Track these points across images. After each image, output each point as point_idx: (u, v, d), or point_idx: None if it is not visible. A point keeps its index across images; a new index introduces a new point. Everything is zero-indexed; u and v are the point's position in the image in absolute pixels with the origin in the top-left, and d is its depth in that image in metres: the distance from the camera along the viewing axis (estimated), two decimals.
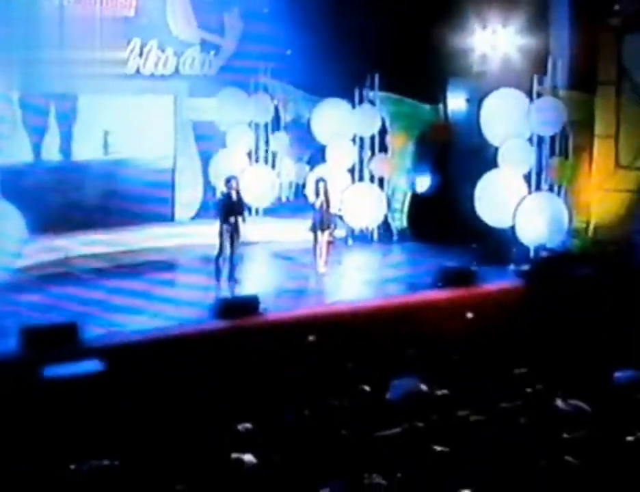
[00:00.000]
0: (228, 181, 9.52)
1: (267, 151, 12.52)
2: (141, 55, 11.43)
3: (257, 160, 12.49)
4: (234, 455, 4.84)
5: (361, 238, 11.80)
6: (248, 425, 5.40)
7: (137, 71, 11.45)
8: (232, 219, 9.27)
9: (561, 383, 6.20)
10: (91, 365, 6.88)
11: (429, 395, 6.16)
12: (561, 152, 10.96)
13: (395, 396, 6.14)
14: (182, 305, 8.63)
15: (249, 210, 11.67)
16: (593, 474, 4.41)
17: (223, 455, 4.86)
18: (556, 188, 10.99)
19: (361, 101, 11.74)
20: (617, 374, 6.55)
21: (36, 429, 6.27)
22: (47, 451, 5.84)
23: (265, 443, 5.16)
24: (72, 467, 4.88)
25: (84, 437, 5.99)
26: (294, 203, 12.35)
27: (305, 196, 11.88)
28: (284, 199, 12.55)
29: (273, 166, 12.53)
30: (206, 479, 4.74)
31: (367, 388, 5.91)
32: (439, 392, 6.10)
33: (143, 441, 5.60)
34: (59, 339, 7.06)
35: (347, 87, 11.49)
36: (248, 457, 4.85)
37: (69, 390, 6.62)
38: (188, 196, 12.24)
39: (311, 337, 8.10)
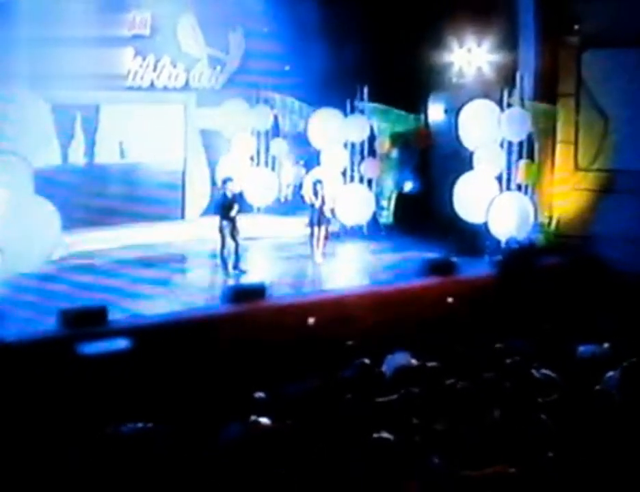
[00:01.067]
0: (224, 182, 9.58)
1: (267, 156, 12.53)
2: (155, 69, 11.44)
3: (258, 164, 12.51)
4: (252, 418, 4.96)
5: (352, 232, 11.80)
6: (262, 394, 5.51)
7: (152, 84, 11.46)
8: (230, 215, 9.31)
9: (534, 356, 6.36)
10: (119, 343, 6.94)
11: (419, 367, 6.30)
12: (528, 156, 11.01)
13: (389, 369, 6.31)
14: (195, 292, 8.73)
15: (249, 208, 11.74)
16: (564, 430, 4.57)
17: (243, 418, 4.95)
18: (523, 187, 11.06)
19: (352, 111, 11.76)
20: (581, 349, 6.73)
21: (72, 397, 6.37)
22: (81, 416, 5.93)
23: (278, 409, 5.26)
24: (109, 428, 4.92)
25: (114, 405, 6.09)
26: (292, 202, 12.35)
27: (302, 196, 11.89)
28: (282, 199, 12.54)
29: (273, 169, 12.54)
30: (228, 440, 4.79)
31: (367, 361, 6.01)
32: (429, 364, 6.20)
33: (168, 408, 5.67)
34: (91, 320, 7.10)
35: (339, 98, 11.49)
36: (264, 420, 4.97)
37: (100, 364, 6.71)
38: (197, 196, 12.26)
39: (311, 320, 8.17)
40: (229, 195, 9.43)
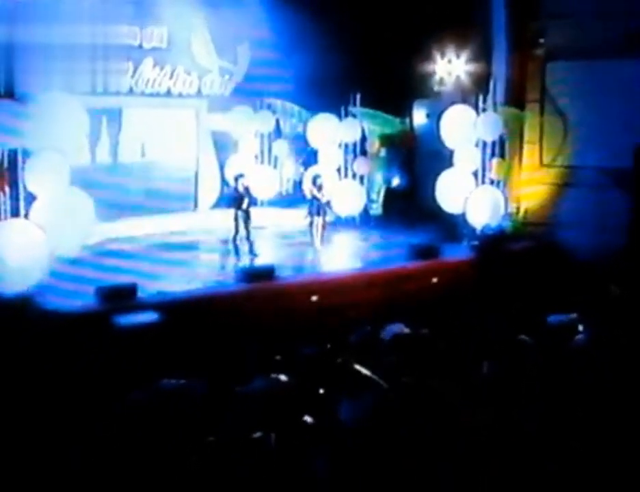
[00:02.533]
0: (236, 178, 9.66)
1: (270, 155, 12.53)
2: (171, 78, 11.46)
3: (262, 162, 12.52)
4: (272, 375, 5.08)
5: (346, 222, 11.86)
6: (279, 357, 5.63)
7: (168, 91, 11.49)
8: (242, 207, 9.42)
9: (509, 324, 6.52)
10: (148, 316, 7.02)
11: (412, 334, 6.46)
12: (500, 154, 11.11)
13: (387, 335, 6.46)
14: (210, 273, 8.78)
15: (256, 201, 11.79)
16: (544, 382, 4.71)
17: (265, 375, 5.07)
18: (496, 182, 11.16)
19: (346, 115, 11.80)
20: (550, 318, 6.92)
21: (108, 362, 6.45)
22: (116, 378, 6.00)
23: (292, 368, 5.38)
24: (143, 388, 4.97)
25: (144, 369, 6.16)
26: (292, 196, 12.40)
27: (301, 190, 11.96)
28: (284, 193, 12.58)
29: (275, 167, 12.57)
30: (253, 392, 4.88)
31: (370, 328, 6.15)
32: (422, 331, 6.35)
33: (193, 370, 5.76)
34: (124, 296, 7.20)
35: (335, 104, 11.54)
36: (282, 377, 5.10)
37: (132, 334, 6.79)
38: (207, 190, 12.30)
39: (314, 297, 8.29)
40: (241, 189, 9.54)
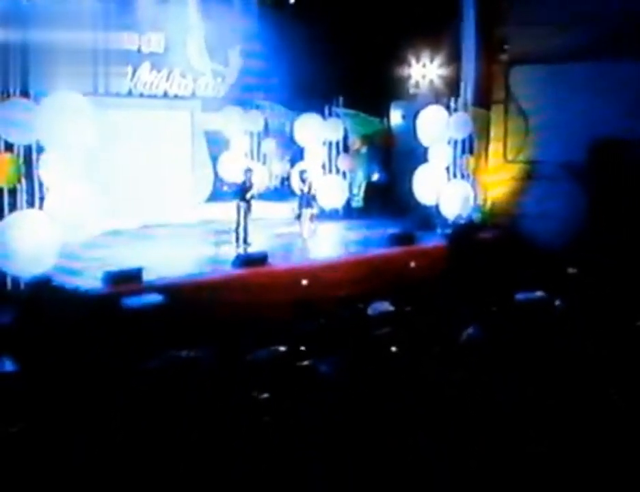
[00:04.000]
0: (246, 172, 9.70)
1: (259, 152, 12.56)
2: (167, 80, 11.46)
3: (252, 159, 12.53)
4: (272, 347, 5.20)
5: (330, 214, 11.97)
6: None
7: (165, 93, 11.49)
8: (246, 198, 9.51)
9: (479, 303, 6.73)
10: (153, 298, 7.08)
11: (396, 311, 6.66)
12: (469, 151, 11.34)
13: (374, 312, 6.65)
14: (207, 259, 8.88)
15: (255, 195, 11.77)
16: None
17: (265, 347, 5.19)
18: (466, 176, 11.40)
19: (329, 115, 11.90)
20: (518, 296, 7.14)
21: (117, 340, 6.48)
22: (127, 353, 6.05)
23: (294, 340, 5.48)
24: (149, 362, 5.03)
25: (152, 344, 6.22)
26: (279, 190, 12.47)
27: (288, 185, 12.05)
28: (272, 188, 12.62)
29: (264, 163, 12.61)
30: (256, 360, 4.98)
31: (361, 305, 6.31)
32: (405, 309, 6.55)
33: (196, 346, 5.85)
34: (130, 279, 7.24)
35: (319, 105, 11.64)
36: (281, 348, 5.20)
37: (139, 314, 6.85)
38: (201, 185, 12.31)
39: (304, 281, 8.43)
40: (247, 182, 9.59)
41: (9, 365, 5.68)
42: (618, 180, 10.24)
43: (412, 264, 9.46)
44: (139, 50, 10.89)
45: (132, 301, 6.92)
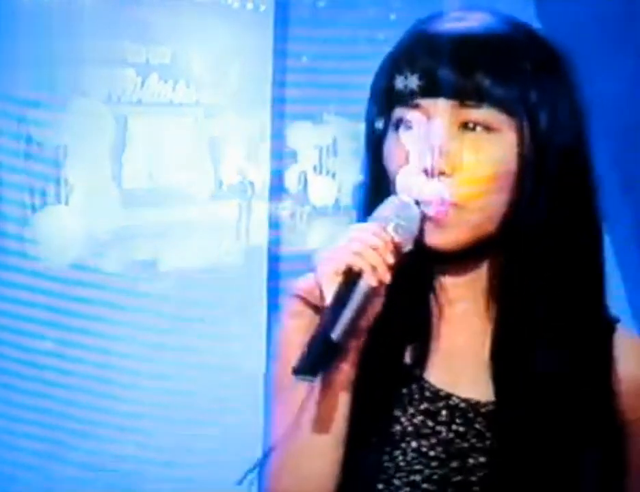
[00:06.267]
0: None
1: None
2: (173, 90, 12.11)
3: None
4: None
5: (321, 211, 12.66)
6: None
7: (170, 101, 12.12)
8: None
9: None
10: (167, 284, 7.65)
11: None
12: None
13: None
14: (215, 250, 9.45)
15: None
16: None
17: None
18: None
19: (320, 121, 12.65)
20: None
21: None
22: None
23: None
24: None
25: None
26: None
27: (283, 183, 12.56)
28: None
29: None
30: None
31: None
32: None
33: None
34: (145, 268, 7.80)
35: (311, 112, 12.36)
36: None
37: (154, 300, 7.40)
38: (205, 184, 12.90)
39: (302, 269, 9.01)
40: None
41: None
42: None
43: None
44: (147, 62, 11.51)
45: (148, 288, 7.41)
